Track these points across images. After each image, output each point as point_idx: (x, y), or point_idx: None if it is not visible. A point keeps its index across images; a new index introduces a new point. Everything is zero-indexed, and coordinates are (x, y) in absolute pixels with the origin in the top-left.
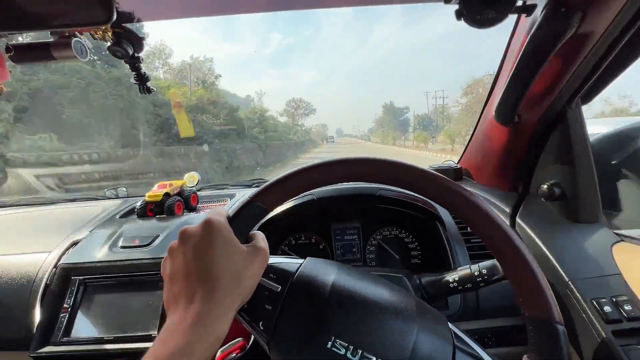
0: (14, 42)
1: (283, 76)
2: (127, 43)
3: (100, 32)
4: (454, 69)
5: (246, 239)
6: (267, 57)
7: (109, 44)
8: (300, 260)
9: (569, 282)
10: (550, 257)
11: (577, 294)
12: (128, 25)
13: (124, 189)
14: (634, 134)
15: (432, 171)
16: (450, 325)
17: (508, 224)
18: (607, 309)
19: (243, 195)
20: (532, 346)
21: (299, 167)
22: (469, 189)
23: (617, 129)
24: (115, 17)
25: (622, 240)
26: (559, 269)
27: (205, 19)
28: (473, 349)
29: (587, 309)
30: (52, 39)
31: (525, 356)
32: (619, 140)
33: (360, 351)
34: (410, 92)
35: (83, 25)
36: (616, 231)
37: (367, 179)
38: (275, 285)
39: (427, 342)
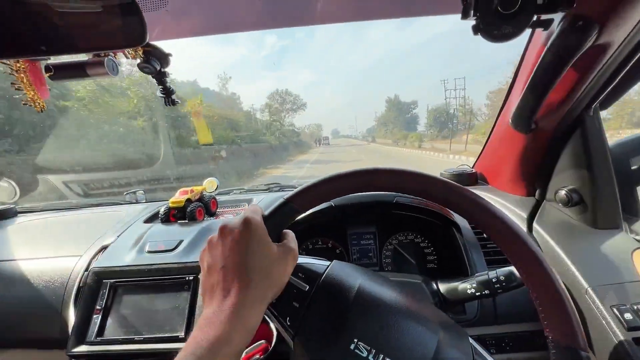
0: (52, 61)
1: (277, 77)
2: (154, 60)
3: (132, 52)
4: (451, 69)
5: (278, 237)
6: (262, 59)
7: (138, 60)
8: (328, 263)
9: (589, 289)
10: (569, 263)
11: (597, 301)
12: (155, 42)
13: (142, 193)
14: None
15: (467, 190)
16: (471, 340)
17: (536, 246)
18: (627, 316)
19: (261, 199)
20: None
21: (333, 173)
22: (481, 193)
23: (637, 134)
24: (147, 39)
25: None
26: (578, 275)
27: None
28: None
29: (607, 316)
30: (87, 59)
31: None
32: (638, 144)
33: (381, 355)
34: (413, 88)
35: (119, 47)
36: (636, 237)
37: (393, 189)
38: (304, 284)
39: (447, 353)
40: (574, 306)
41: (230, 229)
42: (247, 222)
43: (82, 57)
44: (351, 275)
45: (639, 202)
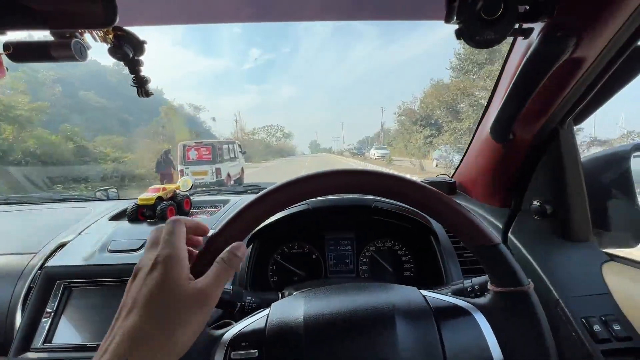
0: (12, 40)
1: (261, 91)
2: (128, 46)
3: (102, 34)
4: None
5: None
6: (245, 72)
7: (109, 45)
8: (265, 312)
9: (559, 300)
10: (542, 274)
11: (567, 313)
12: (129, 28)
13: (115, 190)
14: (624, 155)
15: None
16: (420, 292)
17: (435, 190)
18: (596, 328)
19: (238, 201)
20: (489, 272)
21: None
22: (461, 202)
23: (607, 150)
24: (117, 20)
25: (612, 260)
26: (550, 286)
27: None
28: (448, 302)
29: (576, 327)
30: (52, 39)
31: (488, 285)
32: (609, 160)
33: None
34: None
35: (84, 26)
36: (605, 250)
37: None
38: (251, 351)
39: (410, 330)
40: (474, 214)
41: (144, 265)
42: (159, 260)
43: (47, 37)
44: (293, 309)
45: (608, 217)
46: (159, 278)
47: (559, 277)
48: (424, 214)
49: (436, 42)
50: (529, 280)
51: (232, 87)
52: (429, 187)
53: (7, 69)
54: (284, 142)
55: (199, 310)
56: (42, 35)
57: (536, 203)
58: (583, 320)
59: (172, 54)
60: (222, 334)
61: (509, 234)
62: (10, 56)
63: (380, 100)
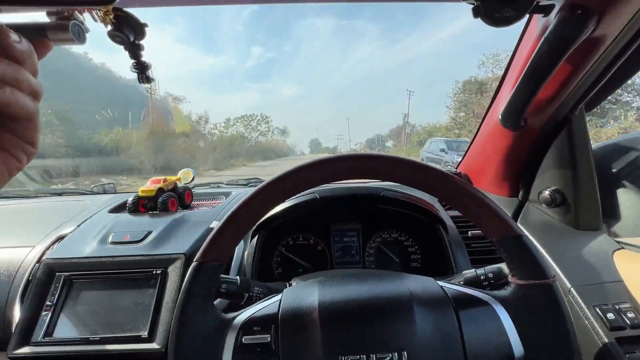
0: (6, 21)
1: (262, 90)
2: (128, 29)
3: (101, 15)
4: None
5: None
6: (247, 70)
7: (109, 28)
8: (278, 297)
9: (572, 289)
10: (552, 263)
11: (580, 301)
12: (131, 10)
13: (112, 185)
14: (634, 144)
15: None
16: (440, 283)
17: (459, 179)
18: (610, 316)
19: (239, 193)
20: (510, 265)
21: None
22: None
23: (618, 138)
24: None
25: (623, 248)
26: (561, 275)
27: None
28: (467, 293)
29: (589, 315)
30: (48, 21)
31: (509, 277)
32: (620, 149)
33: (373, 356)
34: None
35: (82, 4)
36: (617, 239)
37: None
38: (263, 336)
39: (429, 319)
40: (498, 205)
41: None
42: None
43: (43, 19)
44: (307, 294)
45: (619, 205)
46: None
47: (570, 266)
48: (432, 204)
49: (447, 35)
50: (554, 273)
51: (234, 86)
52: (454, 176)
53: None
54: (276, 139)
55: None
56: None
57: (546, 192)
58: (596, 308)
59: (173, 51)
60: (234, 317)
61: (518, 224)
62: None
63: (389, 96)
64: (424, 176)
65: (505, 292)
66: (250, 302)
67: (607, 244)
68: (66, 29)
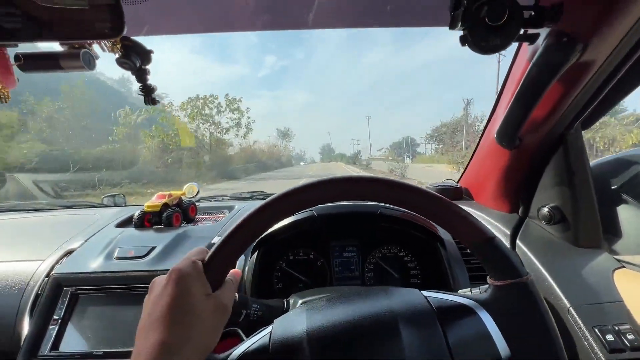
0: (23, 51)
1: (275, 97)
2: (135, 56)
3: (110, 44)
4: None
5: (219, 284)
6: (260, 79)
7: (117, 55)
8: (268, 330)
9: (570, 308)
10: (551, 281)
11: (579, 321)
12: (136, 38)
13: (122, 196)
14: (633, 160)
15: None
16: (424, 294)
17: (426, 189)
18: (609, 337)
19: (242, 207)
20: (487, 268)
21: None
22: (466, 208)
23: (616, 155)
24: (125, 31)
25: (623, 267)
26: (560, 294)
27: (200, 40)
28: (449, 300)
29: (588, 336)
30: (61, 49)
31: (488, 280)
32: (618, 165)
33: None
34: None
35: (93, 37)
36: (617, 257)
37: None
38: None
39: (415, 334)
40: (464, 209)
41: (155, 284)
42: (172, 275)
43: (56, 48)
44: (295, 323)
45: (619, 222)
46: (174, 292)
47: (569, 285)
48: (430, 221)
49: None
50: (528, 271)
51: (248, 94)
52: (421, 187)
53: (18, 80)
54: (275, 144)
55: (221, 319)
56: (50, 46)
57: (544, 209)
58: (595, 329)
59: (189, 61)
60: (226, 357)
61: (517, 240)
62: (20, 67)
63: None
64: (391, 191)
65: (485, 294)
66: (248, 319)
67: (607, 262)
68: (78, 57)
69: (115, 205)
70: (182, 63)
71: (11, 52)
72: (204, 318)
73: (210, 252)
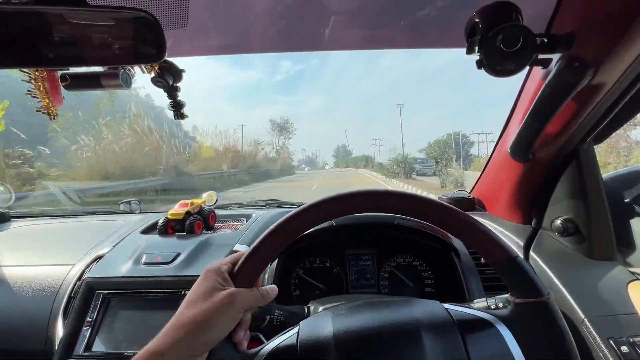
0: (68, 71)
1: (291, 102)
2: (168, 75)
3: (149, 67)
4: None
5: (249, 284)
6: (276, 83)
7: (152, 74)
8: (295, 330)
9: (585, 320)
10: (566, 293)
11: (594, 332)
12: (170, 59)
13: (137, 203)
14: None
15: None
16: (445, 306)
17: (453, 207)
18: (624, 349)
19: (260, 215)
20: (509, 286)
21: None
22: (479, 219)
23: (629, 168)
24: (165, 55)
25: (637, 279)
26: (575, 305)
27: None
28: (471, 314)
29: (604, 348)
30: (102, 70)
31: (509, 297)
32: (631, 178)
33: None
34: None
35: (138, 62)
36: (631, 269)
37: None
38: None
39: (437, 345)
40: (491, 230)
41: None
42: (204, 272)
43: (97, 67)
44: (322, 326)
45: (632, 235)
46: (199, 283)
47: (584, 296)
48: (444, 231)
49: None
50: (549, 291)
51: (264, 99)
52: (447, 204)
53: (64, 98)
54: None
55: (229, 307)
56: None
57: (558, 221)
58: (610, 340)
59: (208, 67)
60: (257, 352)
61: (531, 251)
62: (66, 86)
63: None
64: (422, 207)
65: (506, 310)
66: (271, 324)
67: (621, 274)
68: (117, 77)
69: (132, 211)
70: (201, 67)
71: (58, 72)
72: (214, 302)
73: (242, 258)
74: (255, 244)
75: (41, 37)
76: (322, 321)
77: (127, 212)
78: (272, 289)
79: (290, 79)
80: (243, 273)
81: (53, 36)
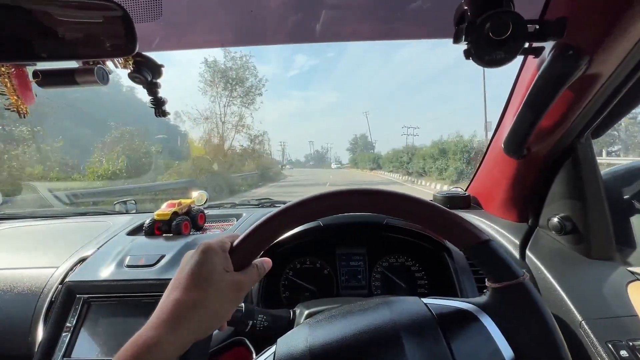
0: (40, 68)
1: (305, 97)
2: (146, 70)
3: (123, 61)
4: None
5: (243, 267)
6: (290, 79)
7: (129, 70)
8: (272, 349)
9: (583, 322)
10: (563, 293)
11: (592, 335)
12: (147, 53)
13: (133, 203)
14: None
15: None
16: (425, 301)
17: (416, 197)
18: (623, 353)
19: (251, 214)
20: (484, 272)
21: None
22: (474, 216)
23: (628, 164)
24: (137, 49)
25: (638, 280)
26: (572, 307)
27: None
28: (450, 306)
29: (602, 352)
30: (76, 66)
31: (486, 283)
32: (630, 174)
33: None
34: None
35: (108, 56)
36: (631, 269)
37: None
38: None
39: (417, 345)
40: (456, 214)
41: (190, 255)
42: (201, 247)
43: (71, 64)
44: (297, 341)
45: (633, 233)
46: (198, 260)
47: (582, 297)
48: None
49: None
50: (524, 271)
51: (278, 94)
52: (411, 195)
53: (36, 95)
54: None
55: (235, 295)
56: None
57: (555, 219)
58: (609, 344)
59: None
60: None
61: (527, 250)
62: (38, 83)
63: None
64: (386, 201)
65: (484, 297)
66: (254, 329)
67: (620, 274)
68: (92, 73)
69: (127, 212)
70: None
71: (29, 69)
72: (219, 289)
73: (239, 237)
74: (259, 222)
75: (5, 29)
76: (298, 336)
77: (120, 213)
78: (266, 261)
79: (304, 74)
80: (243, 251)
81: (17, 29)
